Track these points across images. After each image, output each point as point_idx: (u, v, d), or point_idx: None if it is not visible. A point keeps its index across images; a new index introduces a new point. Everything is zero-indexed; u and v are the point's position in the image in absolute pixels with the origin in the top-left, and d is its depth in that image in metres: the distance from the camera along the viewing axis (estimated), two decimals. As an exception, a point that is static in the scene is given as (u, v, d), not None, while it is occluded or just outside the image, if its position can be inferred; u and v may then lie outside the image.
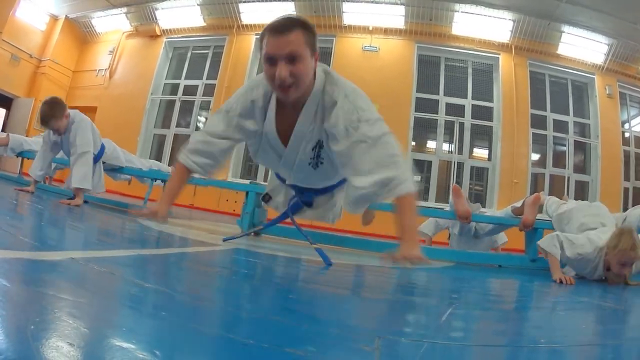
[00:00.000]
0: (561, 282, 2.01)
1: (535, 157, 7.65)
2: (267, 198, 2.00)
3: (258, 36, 7.41)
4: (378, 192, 1.31)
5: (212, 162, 1.53)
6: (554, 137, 7.68)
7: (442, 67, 7.55)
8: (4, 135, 4.08)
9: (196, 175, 1.58)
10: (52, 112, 2.69)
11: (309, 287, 1.25)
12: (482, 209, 3.05)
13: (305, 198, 1.81)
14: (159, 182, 3.58)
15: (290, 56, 1.25)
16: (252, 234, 2.57)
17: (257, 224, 2.67)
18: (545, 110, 7.72)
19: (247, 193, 2.74)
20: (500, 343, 0.79)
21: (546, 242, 2.23)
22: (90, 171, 2.79)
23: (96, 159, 2.97)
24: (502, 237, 3.20)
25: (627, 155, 7.69)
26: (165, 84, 7.69)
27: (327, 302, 1.02)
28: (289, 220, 1.92)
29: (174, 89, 7.69)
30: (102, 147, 3.06)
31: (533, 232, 2.67)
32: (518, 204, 2.81)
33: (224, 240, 2.01)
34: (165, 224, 1.58)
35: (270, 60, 1.27)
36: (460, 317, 0.99)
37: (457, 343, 0.74)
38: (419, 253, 1.22)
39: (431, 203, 7.11)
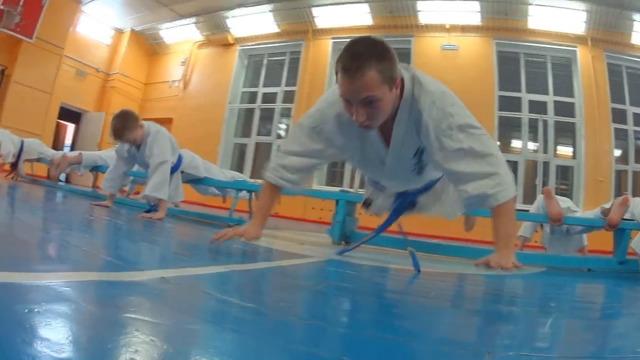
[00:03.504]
0: None
1: (617, 153, 7.42)
2: (367, 203, 1.93)
3: (335, 40, 7.46)
4: (480, 199, 1.29)
5: (299, 176, 1.49)
6: (635, 131, 7.44)
7: (522, 62, 7.36)
8: (76, 153, 4.11)
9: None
10: (125, 124, 2.61)
11: (404, 299, 1.21)
12: (573, 209, 2.95)
13: (408, 198, 1.77)
14: (244, 193, 3.45)
15: (366, 101, 1.16)
16: (343, 244, 2.51)
17: (348, 233, 2.61)
18: (625, 104, 7.48)
19: (337, 201, 2.67)
20: (619, 354, 0.74)
21: (637, 241, 2.15)
22: (166, 181, 2.67)
23: (174, 169, 2.89)
24: (584, 240, 3.16)
25: None
26: (242, 92, 7.61)
27: (426, 314, 0.98)
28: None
29: (252, 97, 7.61)
30: (180, 158, 2.98)
31: (621, 233, 2.59)
32: (607, 205, 2.74)
33: (337, 253, 1.96)
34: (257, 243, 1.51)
35: (346, 100, 1.20)
36: (564, 328, 0.97)
37: (570, 357, 0.71)
38: (514, 261, 1.23)
39: (519, 205, 6.92)
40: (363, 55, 1.12)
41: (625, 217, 2.61)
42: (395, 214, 1.81)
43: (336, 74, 1.20)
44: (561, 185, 7.28)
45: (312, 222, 6.38)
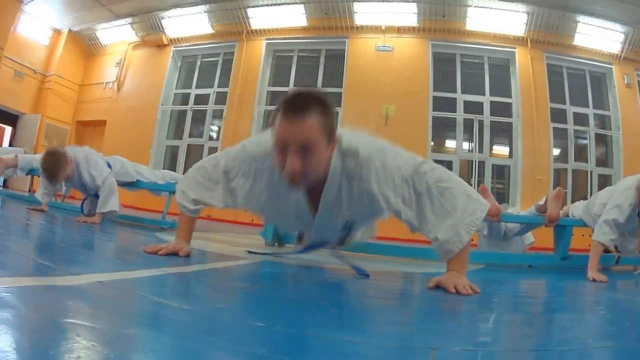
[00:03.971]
0: (594, 280, 1.99)
1: (556, 151, 7.45)
2: (300, 237, 1.95)
3: (269, 41, 7.39)
4: (452, 240, 1.25)
5: (201, 208, 1.52)
6: (575, 130, 7.49)
7: (458, 64, 7.36)
8: (12, 156, 3.97)
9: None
10: (57, 165, 2.65)
11: (345, 298, 1.21)
12: (509, 210, 2.99)
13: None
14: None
15: (303, 145, 1.12)
16: (277, 246, 2.52)
17: (282, 234, 2.57)
18: (565, 104, 7.52)
19: None
20: (565, 347, 0.75)
21: (596, 233, 2.21)
22: (113, 192, 2.77)
23: None
24: (529, 237, 3.14)
25: (650, 146, 7.49)
26: (175, 94, 7.50)
27: (367, 313, 0.99)
28: None
29: (184, 99, 7.51)
30: (109, 167, 2.99)
31: (562, 229, 2.63)
32: (541, 202, 2.77)
33: (249, 252, 1.97)
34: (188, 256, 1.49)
35: (282, 146, 1.15)
36: (508, 322, 1.00)
37: (515, 349, 0.73)
38: (471, 284, 1.22)
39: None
40: (308, 100, 1.13)
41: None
42: (314, 247, 1.75)
43: (272, 124, 1.17)
44: (497, 185, 7.30)
45: (245, 224, 6.29)
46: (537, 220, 2.73)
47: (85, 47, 8.05)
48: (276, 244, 2.55)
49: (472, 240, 2.79)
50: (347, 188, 1.29)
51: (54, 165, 2.65)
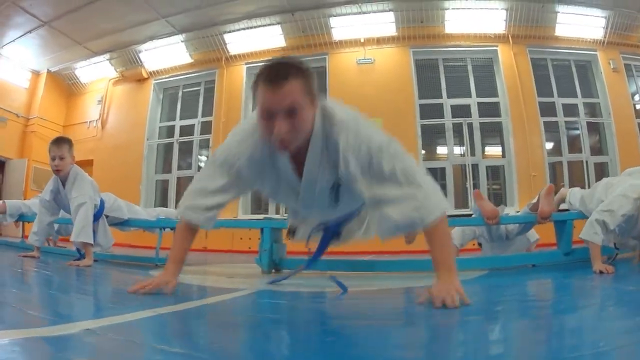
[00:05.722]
0: (601, 272, 1.92)
1: (549, 145, 7.40)
2: (292, 231, 1.91)
3: (249, 65, 7.31)
4: (407, 224, 1.24)
5: (212, 214, 1.44)
6: (566, 122, 7.43)
7: (441, 68, 7.30)
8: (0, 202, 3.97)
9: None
10: (67, 140, 2.76)
11: (343, 323, 1.15)
12: (506, 210, 2.94)
13: (332, 229, 1.75)
14: (169, 230, 3.40)
15: (289, 109, 1.17)
16: (273, 273, 2.53)
17: (277, 260, 2.58)
18: (553, 96, 7.46)
19: (262, 230, 2.63)
20: (577, 352, 0.71)
21: (585, 231, 2.13)
22: (89, 224, 2.65)
23: (98, 214, 2.87)
24: (534, 235, 3.06)
25: (642, 127, 7.43)
26: (160, 127, 7.44)
27: (369, 338, 0.92)
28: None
29: (170, 132, 7.44)
30: (102, 202, 2.95)
31: (562, 224, 2.58)
32: (534, 200, 2.70)
33: (269, 283, 1.95)
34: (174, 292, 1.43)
35: (268, 115, 1.19)
36: (515, 330, 0.97)
37: None
38: (458, 289, 1.18)
39: (450, 210, 6.84)
40: (287, 66, 1.18)
41: (562, 208, 2.61)
42: (322, 246, 1.79)
43: (253, 96, 1.22)
44: (493, 185, 7.24)
45: (242, 252, 6.24)
46: (530, 219, 2.68)
47: (66, 87, 7.98)
48: (273, 270, 2.53)
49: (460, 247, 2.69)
50: (326, 147, 1.31)
51: (65, 138, 2.79)
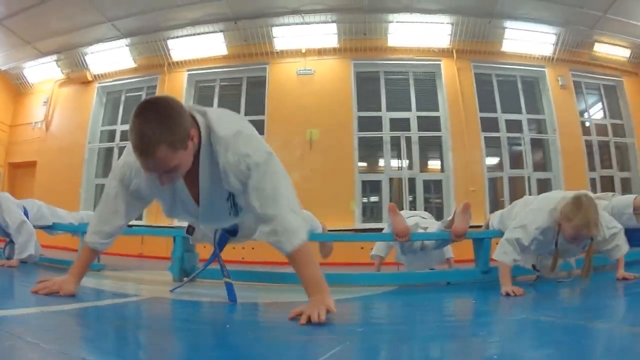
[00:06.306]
0: (508, 294, 1.86)
1: (491, 161, 7.51)
2: (190, 230, 1.97)
3: (190, 72, 7.36)
4: (272, 242, 1.32)
5: (112, 239, 1.56)
6: (508, 137, 7.54)
7: (382, 81, 7.39)
8: None
9: None
10: None
11: (239, 340, 1.15)
12: (422, 225, 2.85)
13: (228, 229, 1.79)
14: None
15: (166, 170, 1.24)
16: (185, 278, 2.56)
17: (189, 269, 2.60)
18: (496, 112, 7.56)
19: (174, 238, 2.66)
20: None
21: (497, 252, 2.07)
22: (31, 236, 2.81)
23: None
24: (449, 252, 3.08)
25: (589, 145, 7.54)
26: (102, 131, 7.51)
27: (263, 348, 0.95)
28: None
29: (111, 136, 7.52)
30: (25, 211, 3.01)
31: (480, 242, 2.56)
32: (450, 217, 2.68)
33: (170, 291, 1.97)
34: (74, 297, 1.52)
35: (149, 171, 1.28)
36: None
37: None
38: (327, 304, 1.20)
39: (385, 224, 6.96)
40: (150, 136, 1.17)
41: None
42: (219, 246, 1.82)
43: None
44: (435, 199, 7.32)
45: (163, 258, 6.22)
46: (444, 236, 2.64)
47: (14, 86, 8.01)
48: (184, 278, 2.52)
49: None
50: (213, 163, 1.36)
51: None
